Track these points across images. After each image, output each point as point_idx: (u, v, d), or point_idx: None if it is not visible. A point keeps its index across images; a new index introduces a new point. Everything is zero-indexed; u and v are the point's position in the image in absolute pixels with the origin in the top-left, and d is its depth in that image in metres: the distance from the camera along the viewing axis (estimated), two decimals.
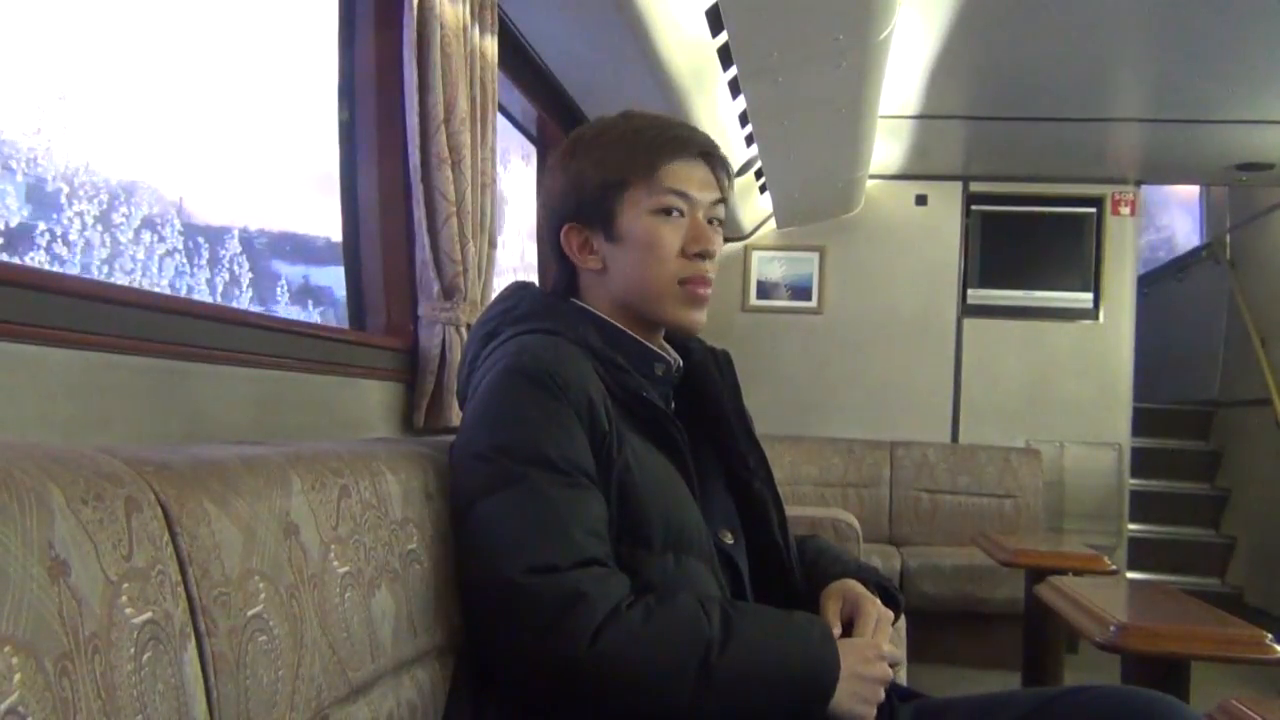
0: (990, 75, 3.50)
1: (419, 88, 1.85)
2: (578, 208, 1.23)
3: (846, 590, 1.22)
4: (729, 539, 1.21)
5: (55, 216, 1.34)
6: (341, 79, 2.02)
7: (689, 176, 1.22)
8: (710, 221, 1.24)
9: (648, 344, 1.24)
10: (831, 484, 4.48)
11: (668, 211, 1.20)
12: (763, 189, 4.37)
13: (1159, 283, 6.41)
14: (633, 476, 1.11)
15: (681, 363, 1.28)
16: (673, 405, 1.27)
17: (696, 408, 1.29)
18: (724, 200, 1.26)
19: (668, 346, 1.29)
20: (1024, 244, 4.83)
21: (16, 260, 1.26)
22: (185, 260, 1.59)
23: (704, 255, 1.21)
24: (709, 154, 1.24)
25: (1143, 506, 5.17)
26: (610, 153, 1.22)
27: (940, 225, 4.82)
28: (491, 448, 1.08)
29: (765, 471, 1.29)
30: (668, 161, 1.21)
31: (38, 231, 1.31)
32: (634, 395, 1.16)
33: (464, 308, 1.92)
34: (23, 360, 1.08)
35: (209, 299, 1.64)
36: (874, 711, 1.07)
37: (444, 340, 1.91)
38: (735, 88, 2.99)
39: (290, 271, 1.97)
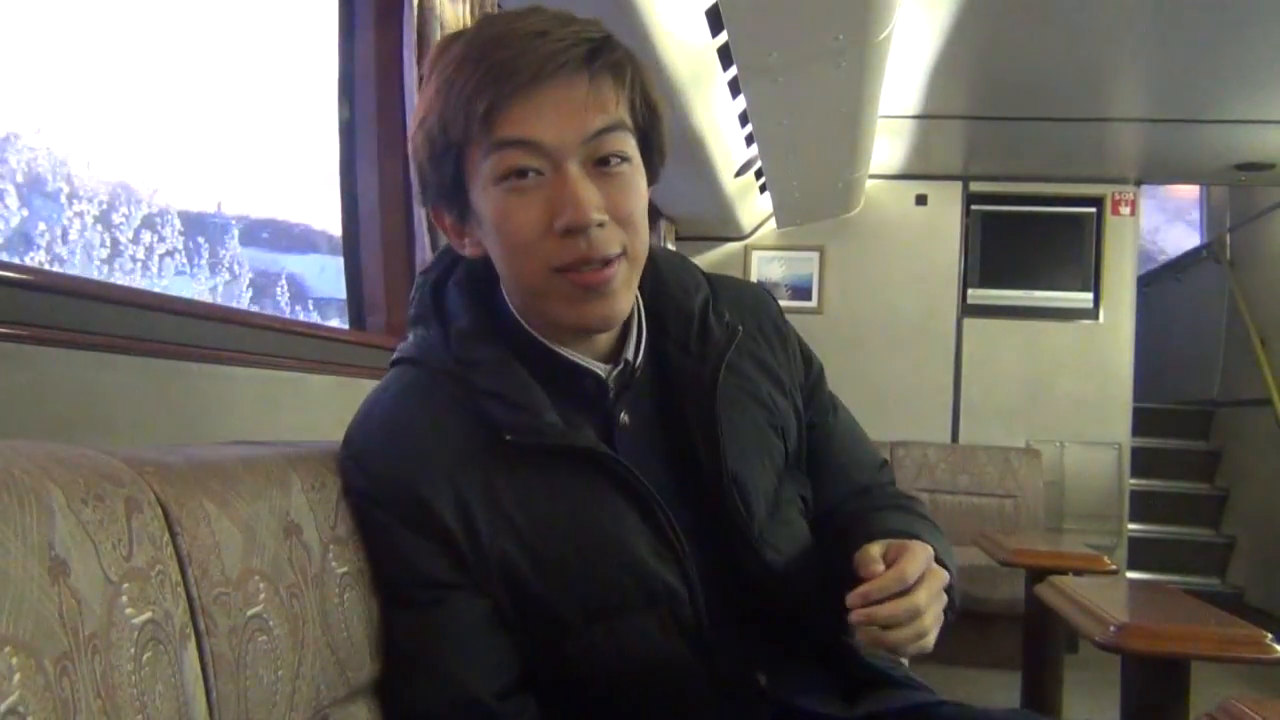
0: (990, 75, 3.50)
1: (419, 87, 1.85)
2: (424, 186, 0.92)
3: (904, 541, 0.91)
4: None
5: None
6: (341, 78, 2.02)
7: (534, 112, 0.84)
8: (604, 162, 0.86)
9: (564, 354, 0.94)
10: None
11: (514, 175, 0.85)
12: (763, 189, 4.37)
13: (1159, 283, 6.41)
14: (516, 566, 0.89)
15: (635, 359, 0.97)
16: (625, 418, 0.96)
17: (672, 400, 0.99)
18: (620, 124, 0.87)
19: (641, 327, 0.98)
20: (1024, 244, 4.83)
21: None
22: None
23: (573, 230, 0.84)
24: (569, 62, 0.84)
25: (1143, 506, 5.17)
26: (431, 107, 0.87)
27: (940, 225, 4.82)
28: None
29: (724, 486, 0.95)
30: (496, 102, 0.83)
31: None
32: (537, 444, 0.89)
33: None
34: (23, 360, 1.08)
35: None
36: None
37: None
38: (735, 88, 2.99)
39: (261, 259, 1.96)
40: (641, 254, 0.91)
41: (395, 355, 1.00)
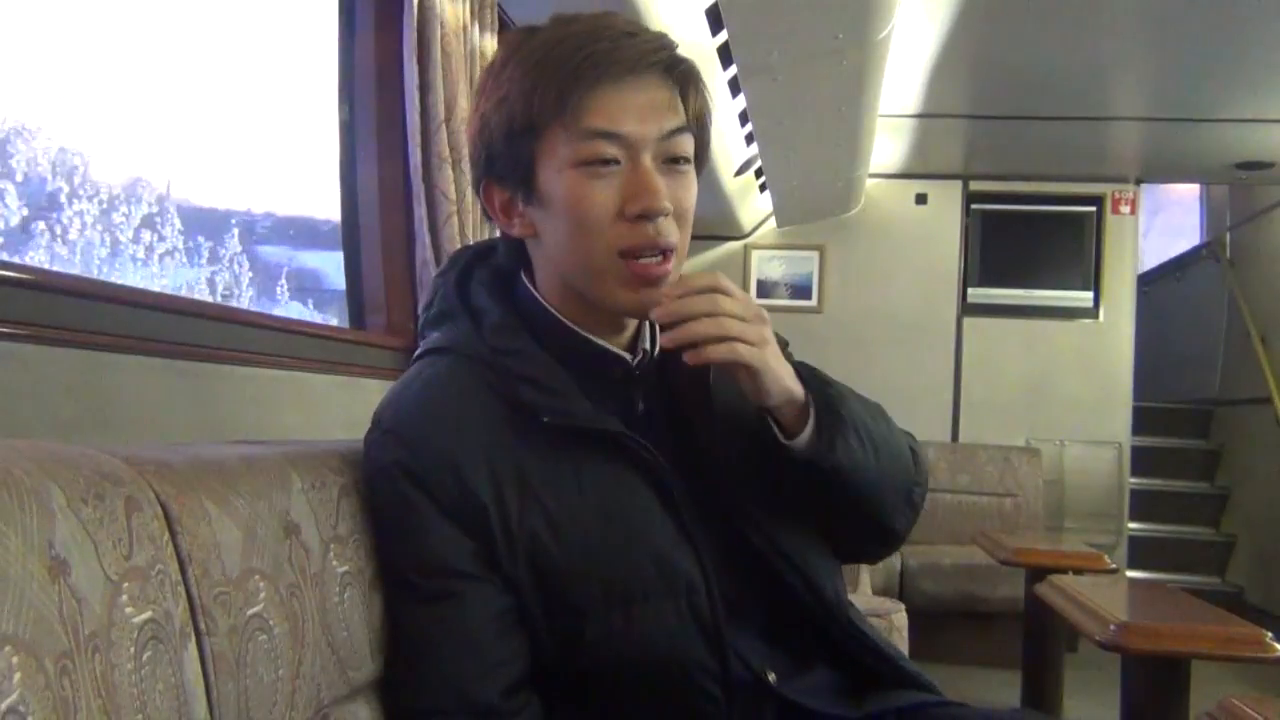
0: (990, 74, 3.50)
1: (419, 87, 1.85)
2: (489, 161, 0.96)
3: None
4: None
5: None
6: (342, 78, 2.02)
7: (622, 106, 0.90)
8: (673, 161, 0.93)
9: (597, 341, 0.99)
10: None
11: (596, 162, 0.91)
12: (762, 188, 4.37)
13: (1159, 282, 6.42)
14: (544, 546, 0.91)
15: (652, 350, 1.02)
16: (641, 407, 1.01)
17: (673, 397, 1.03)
18: (688, 127, 0.94)
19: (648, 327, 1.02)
20: (1024, 243, 4.83)
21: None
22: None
23: (647, 216, 0.91)
24: (658, 63, 0.92)
25: (1143, 505, 5.17)
26: (515, 87, 0.92)
27: (940, 224, 4.82)
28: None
29: (730, 471, 1.00)
30: (588, 90, 0.90)
31: None
32: (564, 426, 0.92)
33: None
34: (23, 360, 1.08)
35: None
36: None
37: None
38: (735, 86, 2.99)
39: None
40: (685, 252, 0.97)
41: (421, 349, 1.02)
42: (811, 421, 0.95)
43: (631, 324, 1.01)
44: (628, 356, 1.00)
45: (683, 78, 0.94)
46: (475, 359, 0.96)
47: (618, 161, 0.91)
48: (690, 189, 0.95)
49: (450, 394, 0.95)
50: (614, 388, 0.99)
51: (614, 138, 0.91)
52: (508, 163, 0.94)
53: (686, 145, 0.94)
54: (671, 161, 0.93)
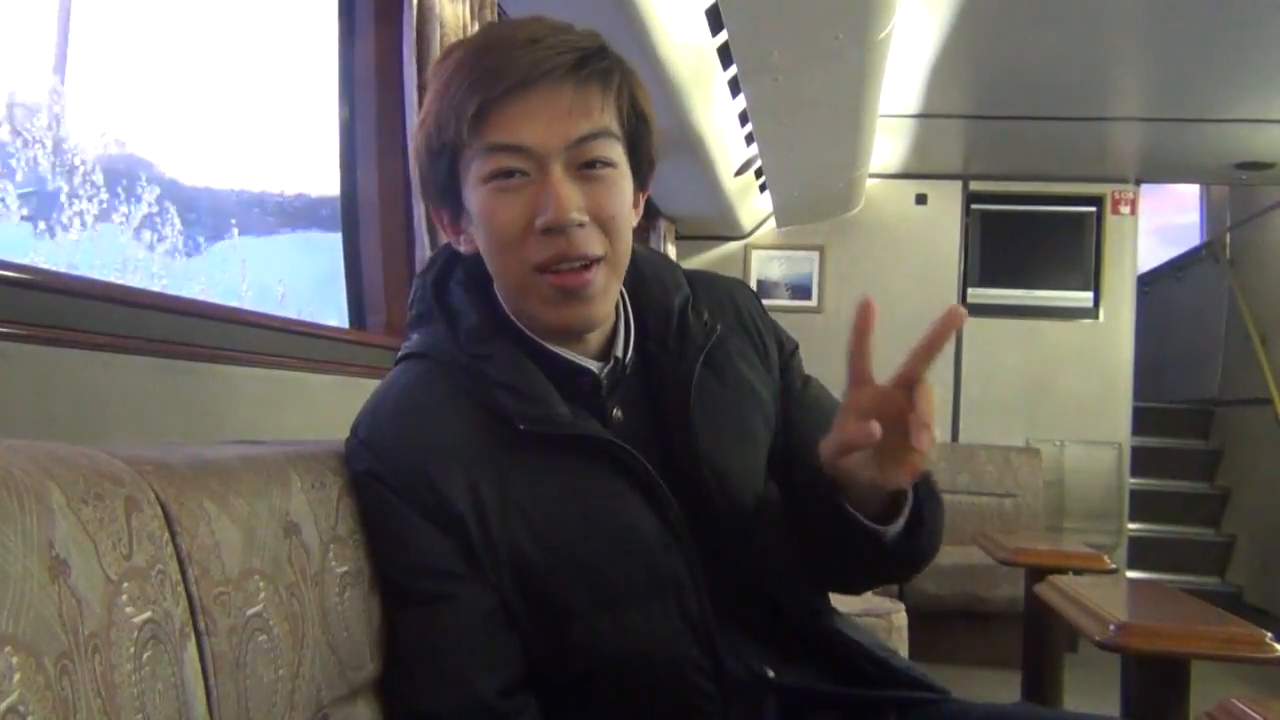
0: (990, 74, 3.50)
1: (419, 86, 1.85)
2: (423, 183, 0.97)
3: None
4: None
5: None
6: (342, 78, 2.02)
7: (521, 117, 0.87)
8: (588, 166, 0.89)
9: (559, 352, 0.96)
10: None
11: (501, 175, 0.89)
12: (763, 188, 4.37)
13: (1159, 282, 6.42)
14: (526, 553, 0.90)
15: (624, 357, 0.99)
16: (618, 413, 0.98)
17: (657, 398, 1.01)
18: (605, 130, 0.90)
19: (629, 325, 1.00)
20: (1024, 243, 4.84)
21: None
22: None
23: (554, 229, 0.87)
24: (556, 69, 0.88)
25: (1143, 505, 5.17)
26: (430, 109, 0.92)
27: (940, 224, 4.82)
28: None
29: (713, 476, 0.97)
30: (486, 106, 0.87)
31: None
32: (543, 434, 0.91)
33: None
34: (23, 360, 1.08)
35: None
36: None
37: None
38: (735, 86, 2.99)
39: None
40: (623, 259, 0.94)
41: (401, 353, 1.01)
42: (905, 518, 0.95)
43: (601, 330, 0.98)
44: (593, 366, 0.97)
45: (596, 77, 0.90)
46: (452, 364, 0.95)
47: (525, 173, 0.88)
48: (612, 193, 0.91)
49: (426, 403, 0.94)
50: (584, 397, 0.97)
51: (515, 150, 0.88)
52: (436, 184, 0.94)
53: (603, 149, 0.90)
54: (587, 167, 0.90)
